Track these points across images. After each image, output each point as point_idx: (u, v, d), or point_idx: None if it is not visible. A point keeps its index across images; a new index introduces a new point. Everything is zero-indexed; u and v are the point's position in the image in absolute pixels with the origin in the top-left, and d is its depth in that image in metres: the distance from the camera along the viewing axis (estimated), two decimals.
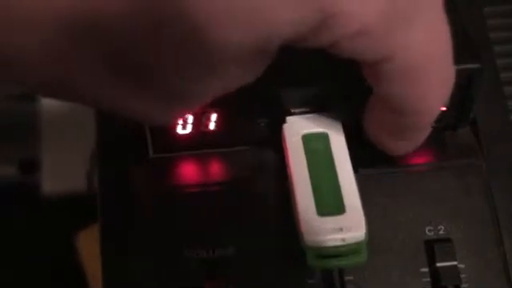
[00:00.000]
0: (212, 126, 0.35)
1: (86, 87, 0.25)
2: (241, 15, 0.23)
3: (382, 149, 0.34)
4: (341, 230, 0.31)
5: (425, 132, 0.33)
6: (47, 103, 0.55)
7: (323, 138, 0.34)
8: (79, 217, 0.53)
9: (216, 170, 0.36)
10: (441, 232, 0.35)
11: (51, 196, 0.55)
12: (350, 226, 0.31)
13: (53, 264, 0.56)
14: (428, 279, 0.34)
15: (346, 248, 0.31)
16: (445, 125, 0.37)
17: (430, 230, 0.35)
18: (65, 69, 0.24)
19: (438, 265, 0.34)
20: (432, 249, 0.34)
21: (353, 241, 0.31)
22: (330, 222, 0.31)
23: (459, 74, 0.34)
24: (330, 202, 0.32)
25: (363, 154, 0.36)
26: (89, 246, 0.53)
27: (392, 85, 0.29)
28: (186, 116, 0.34)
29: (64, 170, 0.55)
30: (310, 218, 0.32)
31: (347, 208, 0.32)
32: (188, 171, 0.36)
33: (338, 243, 0.31)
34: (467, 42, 0.35)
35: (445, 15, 0.29)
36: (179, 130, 0.35)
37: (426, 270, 0.34)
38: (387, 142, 0.34)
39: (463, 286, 0.34)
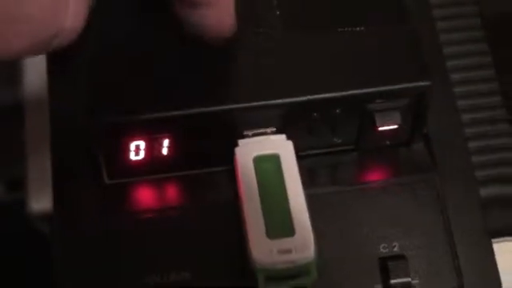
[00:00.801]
0: (165, 151, 0.35)
1: None
2: None
3: (192, 28, 0.33)
4: (290, 251, 0.31)
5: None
6: (32, 120, 0.55)
7: (274, 160, 0.34)
8: None
9: (171, 194, 0.36)
10: (395, 249, 0.35)
11: (37, 213, 0.56)
12: (298, 248, 0.32)
13: (39, 281, 0.56)
14: None
15: (295, 269, 0.32)
16: (398, 141, 0.37)
17: (384, 247, 0.35)
18: None
19: (392, 281, 0.34)
20: (386, 266, 0.34)
21: (302, 262, 0.32)
22: (279, 244, 0.32)
23: (410, 92, 0.35)
24: (279, 224, 0.32)
25: (316, 174, 0.36)
26: None
27: None
28: (138, 143, 0.35)
29: (50, 187, 0.55)
30: (259, 241, 0.32)
31: (296, 229, 0.32)
32: (143, 196, 0.36)
33: (288, 265, 0.31)
34: (418, 59, 0.35)
35: None
36: (132, 157, 0.35)
37: (379, 287, 0.34)
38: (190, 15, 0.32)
39: None
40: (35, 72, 0.53)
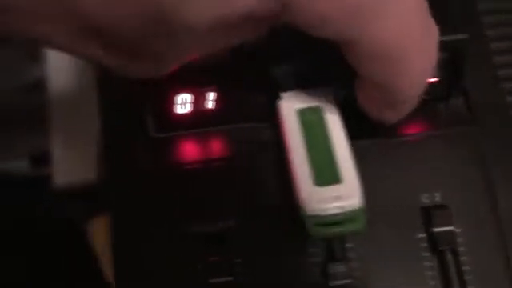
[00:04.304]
0: (210, 104, 0.36)
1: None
2: None
3: (374, 120, 0.35)
4: (338, 198, 0.32)
5: (414, 102, 0.34)
6: (56, 95, 0.56)
7: (318, 112, 0.35)
8: (91, 206, 0.54)
9: (217, 147, 0.37)
10: (437, 199, 0.36)
11: (63, 187, 0.56)
12: (347, 195, 0.32)
13: (66, 254, 0.57)
14: (425, 244, 0.35)
15: (344, 216, 0.32)
16: (437, 96, 0.38)
17: (426, 198, 0.36)
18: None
19: (435, 230, 0.35)
20: (428, 215, 0.35)
21: (350, 208, 0.32)
22: (328, 191, 0.32)
23: (447, 46, 0.36)
24: (326, 172, 0.33)
25: (358, 126, 0.37)
26: (102, 232, 0.54)
27: (365, 65, 0.31)
28: (185, 96, 0.35)
29: (74, 161, 0.56)
30: (308, 188, 0.33)
31: (343, 177, 0.33)
32: (189, 149, 0.37)
33: (337, 211, 0.32)
34: (455, 13, 0.36)
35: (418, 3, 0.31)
36: (179, 110, 0.36)
37: (423, 235, 0.35)
38: (377, 115, 0.35)
39: (460, 249, 0.35)
40: None
